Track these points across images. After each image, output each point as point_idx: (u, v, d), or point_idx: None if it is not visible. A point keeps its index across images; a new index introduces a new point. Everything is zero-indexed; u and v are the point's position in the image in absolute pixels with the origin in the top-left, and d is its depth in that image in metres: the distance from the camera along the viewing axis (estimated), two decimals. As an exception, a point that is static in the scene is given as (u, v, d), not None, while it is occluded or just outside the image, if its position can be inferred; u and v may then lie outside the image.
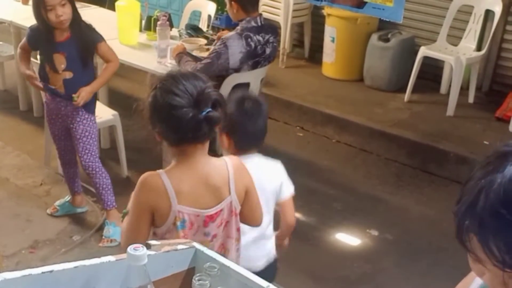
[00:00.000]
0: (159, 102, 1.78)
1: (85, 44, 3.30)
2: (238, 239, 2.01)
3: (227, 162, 1.93)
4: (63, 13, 3.15)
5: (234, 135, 2.23)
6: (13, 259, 3.29)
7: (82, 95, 3.30)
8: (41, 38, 3.31)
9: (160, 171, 1.86)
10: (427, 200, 4.15)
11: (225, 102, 1.89)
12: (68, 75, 3.31)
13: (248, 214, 2.01)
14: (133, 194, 1.90)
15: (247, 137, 2.23)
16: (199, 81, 1.81)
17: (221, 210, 1.90)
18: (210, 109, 1.77)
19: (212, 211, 1.88)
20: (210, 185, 1.87)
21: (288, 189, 2.37)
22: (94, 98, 3.49)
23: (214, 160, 1.92)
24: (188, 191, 1.84)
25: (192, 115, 1.74)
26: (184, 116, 1.75)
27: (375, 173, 4.47)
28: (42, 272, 1.23)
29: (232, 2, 3.76)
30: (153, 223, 1.88)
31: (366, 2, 4.39)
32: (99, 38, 3.36)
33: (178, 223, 1.85)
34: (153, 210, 1.84)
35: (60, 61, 3.29)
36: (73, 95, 3.29)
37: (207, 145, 1.89)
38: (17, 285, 1.20)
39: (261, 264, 2.32)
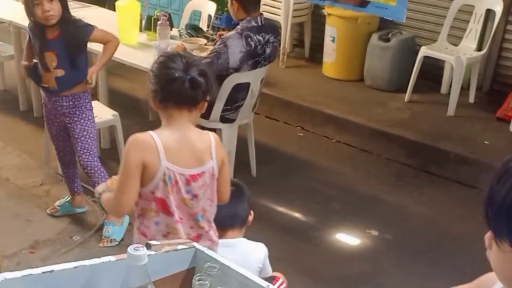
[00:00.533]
0: (157, 65, 2.06)
1: (73, 42, 3.27)
2: (214, 201, 2.16)
3: (210, 134, 2.13)
4: (50, 9, 3.13)
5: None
6: (14, 259, 3.28)
7: (94, 76, 3.33)
8: (35, 36, 3.32)
9: (149, 131, 2.03)
10: (427, 200, 4.15)
11: (214, 77, 2.12)
12: (60, 72, 3.30)
13: (219, 188, 2.16)
14: (123, 155, 2.06)
15: (221, 219, 2.26)
16: (195, 57, 2.14)
17: (203, 173, 2.07)
18: (196, 75, 2.00)
19: (195, 172, 2.05)
20: (194, 148, 2.06)
21: (267, 272, 2.38)
22: (90, 96, 3.49)
23: (200, 130, 2.13)
24: (174, 150, 2.01)
25: (178, 75, 1.99)
26: (171, 75, 2.00)
27: (375, 173, 4.46)
28: (43, 272, 1.23)
29: (233, 1, 3.76)
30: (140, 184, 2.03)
31: (369, 1, 4.39)
32: (88, 31, 3.29)
33: (166, 179, 2.01)
34: (143, 167, 1.99)
35: (51, 59, 3.28)
36: (87, 78, 3.33)
37: (194, 115, 2.08)
38: (18, 285, 1.20)
39: None
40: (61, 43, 3.25)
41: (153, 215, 2.08)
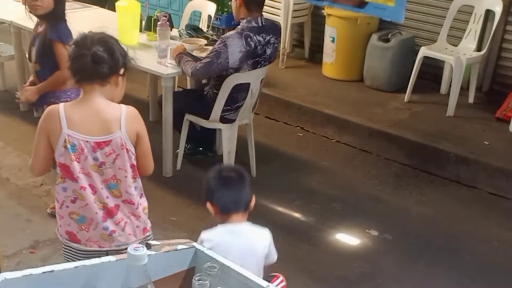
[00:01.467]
0: (71, 47, 2.22)
1: (44, 39, 3.28)
2: (134, 177, 2.27)
3: (122, 107, 2.22)
4: None
5: (214, 201, 2.32)
6: (14, 259, 3.29)
7: (26, 94, 3.37)
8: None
9: (61, 103, 2.24)
10: (427, 200, 4.15)
11: (126, 55, 2.23)
12: (38, 67, 3.37)
13: (140, 161, 2.28)
14: None
15: (226, 203, 2.31)
16: (107, 36, 2.21)
17: (110, 141, 2.17)
18: (99, 50, 2.13)
19: (99, 139, 2.17)
20: (101, 118, 2.17)
21: (272, 257, 2.39)
22: (77, 94, 3.51)
23: (112, 103, 2.22)
24: (79, 119, 2.16)
25: (81, 52, 2.15)
26: (76, 53, 2.17)
27: (375, 173, 4.47)
28: (43, 272, 1.23)
29: None
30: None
31: (367, 2, 4.39)
32: (55, 36, 3.23)
33: (68, 146, 2.15)
34: (48, 134, 2.19)
35: (34, 53, 3.37)
36: (17, 93, 3.38)
37: (108, 89, 2.19)
38: (18, 285, 1.20)
39: None
40: (40, 38, 3.31)
41: (60, 180, 2.24)
